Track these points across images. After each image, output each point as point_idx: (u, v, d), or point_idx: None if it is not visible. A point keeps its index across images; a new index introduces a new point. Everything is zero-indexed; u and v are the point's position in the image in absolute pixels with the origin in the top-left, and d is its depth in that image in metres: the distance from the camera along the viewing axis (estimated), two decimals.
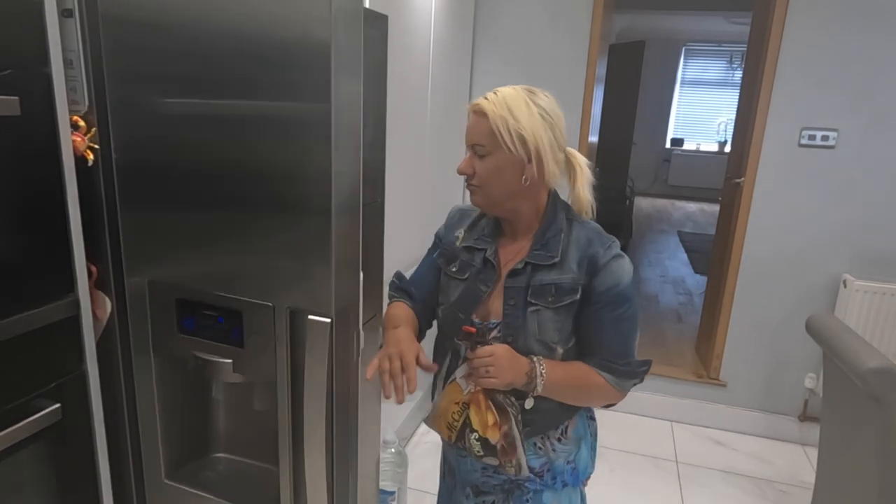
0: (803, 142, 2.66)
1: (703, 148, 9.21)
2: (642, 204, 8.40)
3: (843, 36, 2.53)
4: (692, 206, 8.77)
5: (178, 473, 1.04)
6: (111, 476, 0.99)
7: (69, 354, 0.91)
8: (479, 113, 1.08)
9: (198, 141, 0.88)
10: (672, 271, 5.49)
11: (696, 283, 5.06)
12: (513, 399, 1.11)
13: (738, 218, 2.80)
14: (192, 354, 0.95)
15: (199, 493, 1.00)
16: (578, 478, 1.21)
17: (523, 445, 1.12)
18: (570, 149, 1.16)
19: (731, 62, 8.70)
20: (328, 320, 0.84)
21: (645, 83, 5.94)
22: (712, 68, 8.92)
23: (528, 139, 1.06)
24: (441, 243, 1.27)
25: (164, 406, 1.01)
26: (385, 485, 2.00)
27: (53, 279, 0.87)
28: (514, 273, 1.11)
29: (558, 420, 1.17)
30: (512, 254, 1.15)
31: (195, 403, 1.04)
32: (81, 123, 0.87)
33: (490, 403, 1.10)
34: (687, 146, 9.26)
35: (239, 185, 0.87)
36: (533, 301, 1.09)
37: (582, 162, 1.16)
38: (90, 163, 0.88)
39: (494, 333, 1.12)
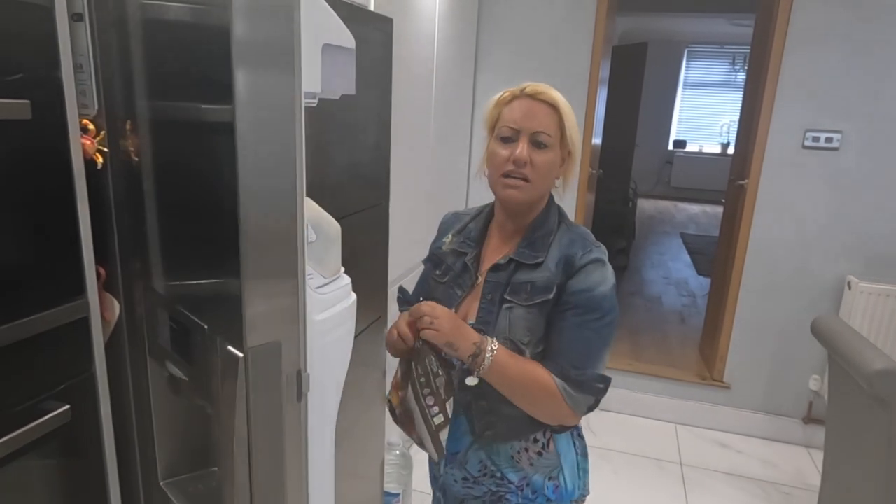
0: (807, 143, 2.66)
1: (706, 150, 9.21)
2: (645, 206, 8.40)
3: (846, 37, 2.53)
4: (695, 208, 8.76)
5: (172, 481, 1.03)
6: (118, 477, 0.99)
7: (78, 356, 0.91)
8: (548, 102, 1.04)
9: (163, 146, 0.87)
10: (675, 273, 5.49)
11: (700, 284, 5.06)
12: (433, 367, 1.03)
13: (742, 220, 2.80)
14: (166, 365, 0.94)
15: (176, 502, 0.99)
16: (564, 497, 1.15)
17: (431, 424, 1.04)
18: None
19: (733, 64, 8.70)
20: (240, 354, 0.72)
21: (647, 85, 5.94)
22: (715, 70, 8.92)
23: (578, 138, 1.07)
24: (431, 249, 1.26)
25: (159, 412, 1.00)
26: (390, 487, 2.00)
27: (63, 281, 0.87)
28: (496, 268, 1.10)
29: (525, 430, 1.10)
30: (500, 253, 1.13)
31: (194, 415, 1.03)
32: (91, 127, 0.88)
33: (400, 361, 1.05)
34: (690, 148, 9.25)
35: (178, 192, 0.83)
36: (508, 298, 1.06)
37: None
38: (99, 165, 0.88)
39: None
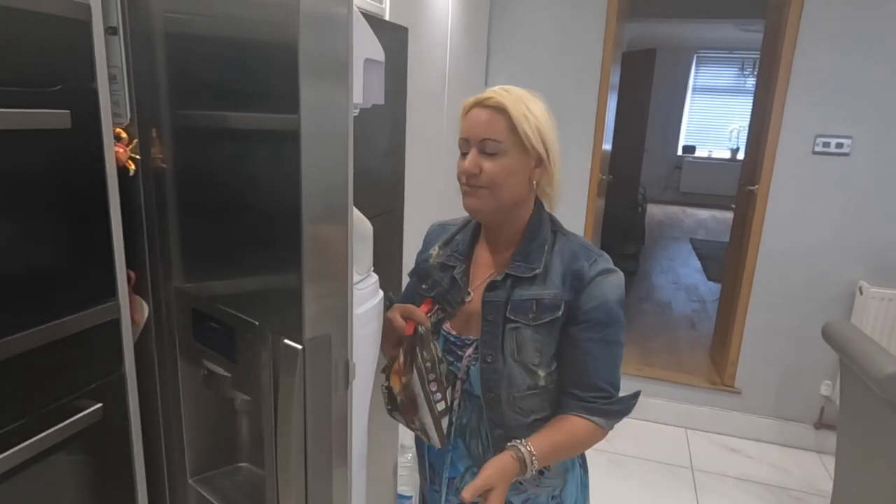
0: (817, 149, 2.67)
1: (715, 155, 9.20)
2: (654, 211, 8.39)
3: (856, 42, 2.55)
4: (704, 214, 8.75)
5: (201, 477, 1.06)
6: (145, 474, 1.02)
7: (109, 357, 0.94)
8: (496, 108, 0.98)
9: (198, 154, 0.91)
10: (685, 278, 5.48)
11: (710, 290, 5.05)
12: (438, 353, 1.03)
13: (753, 225, 2.81)
14: (203, 363, 0.97)
15: (210, 498, 1.02)
16: None
17: (435, 410, 1.03)
18: None
19: (742, 69, 8.70)
20: (299, 347, 0.78)
21: (656, 91, 5.96)
22: (724, 75, 8.92)
23: (546, 139, 1.00)
24: (417, 262, 1.20)
25: (189, 410, 1.03)
26: (403, 489, 2.02)
27: (96, 284, 0.90)
28: (493, 286, 1.03)
29: None
30: (491, 267, 1.08)
31: (222, 412, 1.06)
32: (123, 135, 0.91)
33: (404, 347, 1.03)
34: (699, 153, 9.25)
35: (229, 197, 0.87)
36: (512, 317, 1.01)
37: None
38: (131, 173, 0.92)
39: (470, 352, 1.06)
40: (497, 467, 0.96)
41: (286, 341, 0.79)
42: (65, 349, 0.86)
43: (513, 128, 0.98)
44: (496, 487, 0.93)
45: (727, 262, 3.40)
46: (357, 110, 0.86)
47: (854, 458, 1.86)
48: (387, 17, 1.81)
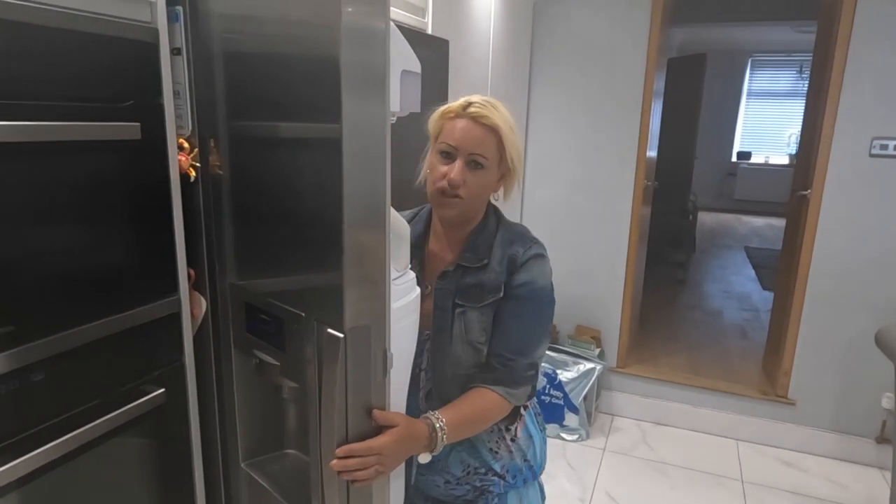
0: (874, 151, 2.58)
1: (772, 161, 8.89)
2: (706, 219, 8.16)
3: None
4: (759, 221, 8.45)
5: (252, 461, 1.13)
6: (202, 456, 1.11)
7: (171, 347, 1.03)
8: (488, 125, 1.04)
9: (251, 161, 0.99)
10: (738, 287, 5.32)
11: (763, 299, 4.88)
12: None
13: (806, 231, 2.73)
14: (254, 353, 1.04)
15: (261, 481, 1.10)
16: (535, 473, 1.23)
17: None
18: None
19: (800, 72, 8.39)
20: (341, 335, 0.84)
21: (708, 96, 5.83)
22: (781, 79, 8.63)
23: (520, 156, 1.11)
24: None
25: (241, 397, 1.11)
26: None
27: (160, 280, 1.00)
28: (444, 276, 1.12)
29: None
30: (444, 261, 1.15)
31: (271, 401, 1.13)
32: (185, 145, 1.00)
33: None
34: (755, 159, 8.96)
35: (278, 201, 0.95)
36: (460, 302, 1.09)
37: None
38: (192, 179, 1.01)
39: (429, 345, 1.12)
40: (407, 418, 0.98)
41: (329, 330, 0.85)
42: (132, 339, 0.96)
43: (500, 147, 1.07)
44: (398, 426, 0.93)
45: (779, 268, 3.30)
46: (394, 118, 0.92)
47: None
48: (429, 31, 1.89)
